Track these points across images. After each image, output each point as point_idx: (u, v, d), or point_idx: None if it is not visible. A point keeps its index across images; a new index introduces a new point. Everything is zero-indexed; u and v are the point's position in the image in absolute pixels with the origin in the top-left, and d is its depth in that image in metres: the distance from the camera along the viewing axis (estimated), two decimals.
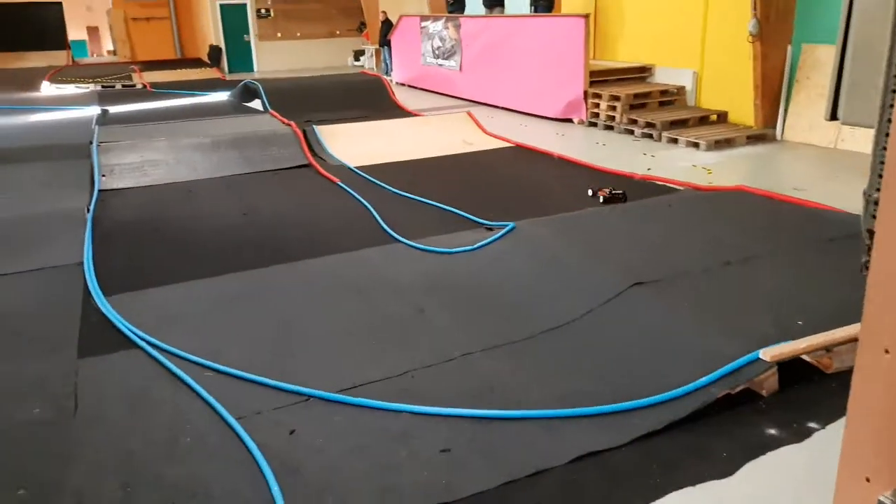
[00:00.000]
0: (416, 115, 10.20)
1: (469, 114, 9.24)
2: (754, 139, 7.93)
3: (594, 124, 9.31)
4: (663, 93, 9.21)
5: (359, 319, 3.73)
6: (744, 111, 8.27)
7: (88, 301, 4.07)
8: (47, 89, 15.02)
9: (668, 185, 6.21)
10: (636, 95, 8.97)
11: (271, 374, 3.15)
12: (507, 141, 8.38)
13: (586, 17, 9.20)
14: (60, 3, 23.01)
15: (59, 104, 12.65)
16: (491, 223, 5.05)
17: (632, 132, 8.68)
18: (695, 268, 3.97)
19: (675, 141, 8.07)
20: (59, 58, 21.74)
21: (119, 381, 3.17)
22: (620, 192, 5.64)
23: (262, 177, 7.04)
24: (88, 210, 5.76)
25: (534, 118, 10.18)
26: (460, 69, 12.35)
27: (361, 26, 19.84)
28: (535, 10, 11.61)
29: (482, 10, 13.00)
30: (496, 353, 3.32)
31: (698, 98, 9.10)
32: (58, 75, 16.81)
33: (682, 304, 3.52)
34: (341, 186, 6.47)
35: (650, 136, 8.42)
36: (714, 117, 8.68)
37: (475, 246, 4.59)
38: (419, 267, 4.42)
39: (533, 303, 3.79)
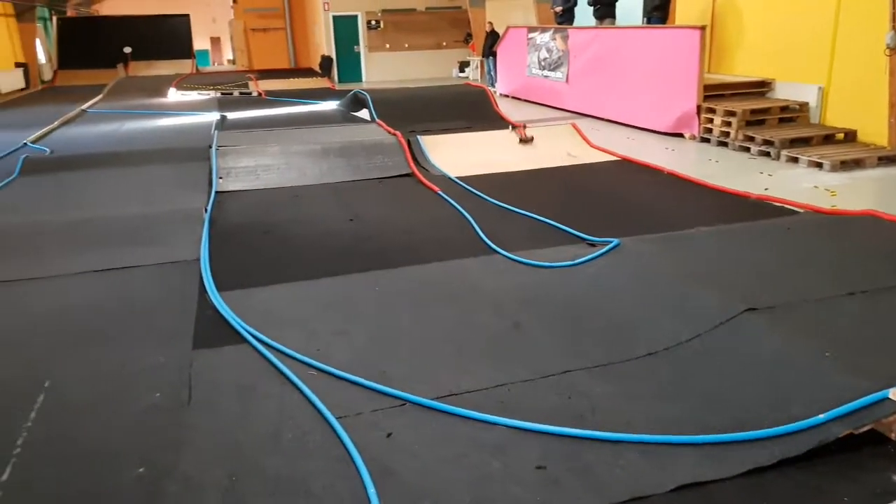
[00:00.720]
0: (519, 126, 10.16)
1: (574, 125, 9.12)
2: (887, 161, 7.36)
3: (706, 140, 8.95)
4: (784, 109, 8.73)
5: (455, 329, 3.74)
6: (876, 130, 7.71)
7: (203, 296, 4.30)
8: (173, 96, 16.11)
9: (786, 206, 5.86)
10: (753, 111, 8.55)
11: (370, 377, 3.22)
12: (613, 154, 8.21)
13: (702, 28, 8.88)
14: (188, 16, 24.67)
15: (183, 110, 13.55)
16: (593, 239, 4.94)
17: (747, 149, 8.28)
18: (815, 296, 3.72)
19: (795, 160, 7.62)
20: (184, 66, 23.29)
21: (229, 374, 3.32)
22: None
23: (367, 184, 7.23)
24: (206, 210, 6.11)
25: (642, 132, 9.92)
26: (566, 80, 12.23)
27: (468, 37, 20.07)
28: (649, 22, 11.34)
29: (592, 21, 12.83)
30: (596, 372, 3.24)
31: (823, 115, 8.56)
32: (183, 83, 17.99)
33: (800, 334, 3.30)
34: (442, 196, 6.55)
35: (767, 154, 8.00)
36: (841, 136, 8.13)
37: (576, 261, 4.51)
38: (517, 279, 4.39)
39: (636, 324, 3.67)
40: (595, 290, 4.14)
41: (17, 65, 19.52)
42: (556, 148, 8.37)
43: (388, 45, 20.11)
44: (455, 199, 6.37)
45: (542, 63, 13.08)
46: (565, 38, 12.17)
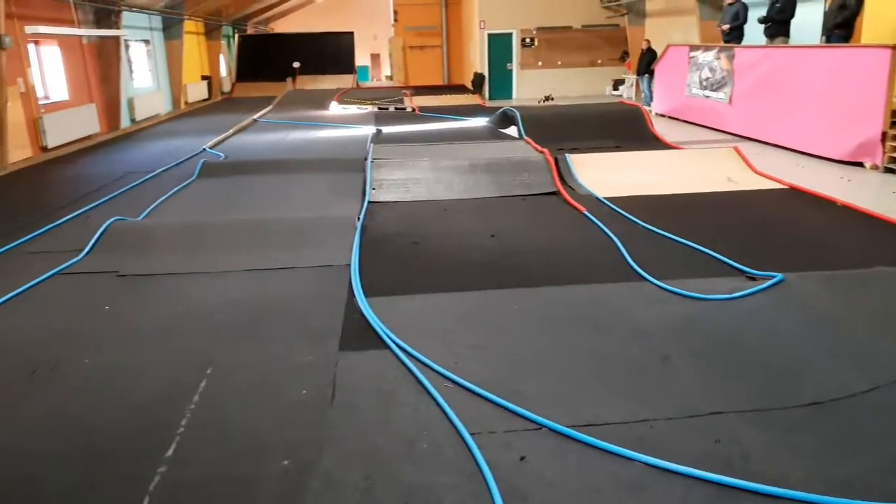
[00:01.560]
0: (675, 147, 9.75)
1: (736, 149, 8.58)
2: None
3: (891, 171, 8.07)
4: None
5: (596, 356, 3.62)
6: None
7: (352, 300, 4.49)
8: (334, 109, 17.09)
9: None
10: None
11: (505, 396, 3.19)
12: (780, 182, 7.61)
13: (893, 48, 8.04)
14: (352, 33, 26.13)
15: (343, 122, 14.34)
16: (754, 272, 4.59)
17: None
18: None
19: None
20: (346, 81, 24.67)
21: (370, 378, 3.43)
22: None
23: (511, 201, 7.24)
24: (359, 218, 6.38)
25: (813, 158, 9.14)
26: (730, 102, 11.57)
27: (624, 55, 19.61)
28: (828, 40, 10.45)
29: (762, 40, 12.06)
30: (750, 417, 2.99)
31: None
32: (344, 97, 19.05)
33: None
34: (588, 216, 6.40)
35: None
36: None
37: (734, 295, 4.21)
38: (666, 310, 4.18)
39: (800, 368, 3.35)
40: (754, 327, 3.83)
41: (203, 77, 21.66)
42: (714, 171, 7.92)
43: (540, 63, 20.11)
44: (602, 220, 6.20)
45: (704, 83, 12.47)
46: (731, 58, 11.52)
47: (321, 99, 18.67)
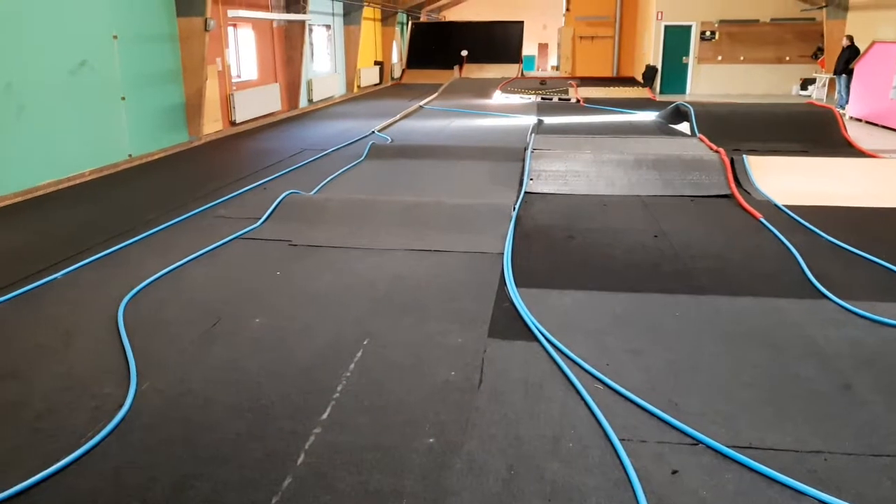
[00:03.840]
0: (872, 156, 8.75)
1: None
2: None
3: None
4: None
5: (764, 375, 3.34)
6: None
7: (502, 288, 4.49)
8: (497, 98, 17.17)
9: None
10: None
11: (659, 405, 3.03)
12: None
13: None
14: (522, 23, 26.06)
15: (505, 111, 14.37)
16: None
17: None
18: None
19: None
20: (511, 70, 24.69)
21: (518, 368, 3.40)
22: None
23: (678, 201, 6.87)
24: (514, 208, 6.36)
25: None
26: None
27: (817, 52, 17.90)
28: None
29: None
30: None
31: None
32: (508, 86, 19.08)
33: None
34: (764, 224, 5.93)
35: None
36: None
37: None
38: (850, 333, 3.76)
39: None
40: None
41: (376, 63, 22.65)
42: None
43: (719, 58, 18.87)
44: (780, 229, 5.72)
45: None
46: None
47: (486, 88, 18.84)
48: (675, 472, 2.59)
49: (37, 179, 7.34)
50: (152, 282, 4.64)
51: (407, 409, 3.03)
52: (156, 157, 9.48)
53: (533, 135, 10.03)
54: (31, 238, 5.73)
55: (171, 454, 2.71)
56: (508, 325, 3.94)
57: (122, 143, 8.92)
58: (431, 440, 2.78)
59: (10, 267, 4.94)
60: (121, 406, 3.06)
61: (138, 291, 4.46)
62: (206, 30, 10.24)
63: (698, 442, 2.77)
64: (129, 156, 9.03)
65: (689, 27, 18.88)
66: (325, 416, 2.98)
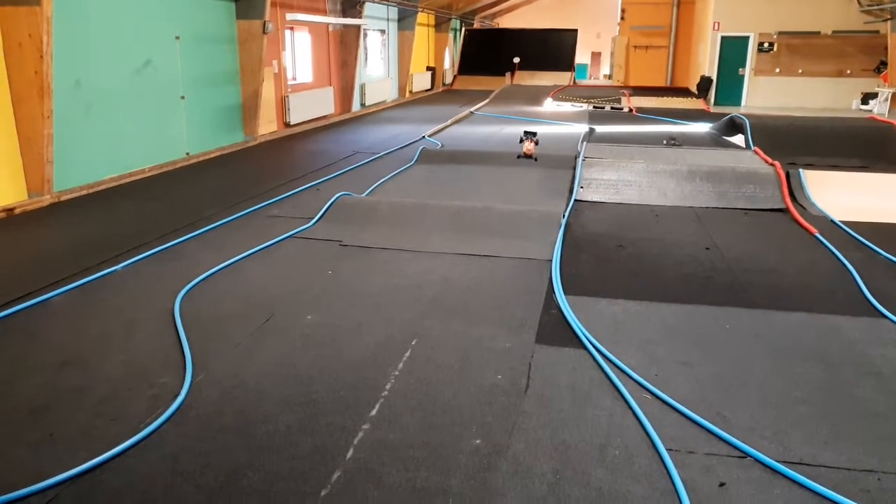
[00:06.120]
0: None
1: None
2: None
3: None
4: None
5: (818, 391, 3.27)
6: None
7: (550, 295, 4.49)
8: (549, 105, 17.12)
9: None
10: None
11: (707, 417, 3.00)
12: None
13: None
14: (576, 31, 25.92)
15: (556, 119, 14.32)
16: None
17: None
18: None
19: None
20: (563, 78, 24.57)
21: (565, 375, 3.41)
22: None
23: (731, 214, 6.75)
24: (564, 216, 6.35)
25: None
26: None
27: (881, 66, 17.33)
28: None
29: None
30: None
31: None
32: (560, 94, 18.99)
33: None
34: (819, 240, 5.79)
35: None
36: None
37: None
38: None
39: None
40: None
41: (428, 68, 22.85)
42: None
43: (777, 70, 18.44)
44: (836, 245, 5.58)
45: None
46: None
47: (537, 95, 18.80)
48: (722, 484, 2.56)
49: (100, 174, 7.66)
50: (208, 276, 4.79)
51: (454, 409, 3.07)
52: (212, 155, 9.77)
53: (584, 143, 9.98)
54: (94, 231, 5.98)
55: (225, 443, 2.81)
56: (556, 331, 3.95)
57: (180, 142, 9.23)
58: (478, 441, 2.81)
59: (74, 258, 5.17)
60: (177, 395, 3.18)
61: (195, 285, 4.61)
62: (264, 32, 10.52)
63: (747, 455, 2.73)
64: (187, 154, 9.33)
65: (747, 38, 18.50)
66: (373, 412, 3.04)
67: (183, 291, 4.47)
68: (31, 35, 6.30)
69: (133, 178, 8.09)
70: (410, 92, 20.46)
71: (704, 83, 19.12)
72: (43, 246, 5.56)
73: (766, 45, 18.44)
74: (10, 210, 6.43)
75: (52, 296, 4.41)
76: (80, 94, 7.31)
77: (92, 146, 7.54)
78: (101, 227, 6.11)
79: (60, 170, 6.97)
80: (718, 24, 18.58)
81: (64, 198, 7.04)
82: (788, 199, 6.97)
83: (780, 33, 18.26)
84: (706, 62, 19.23)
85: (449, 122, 13.73)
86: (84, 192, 7.32)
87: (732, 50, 18.62)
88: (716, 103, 18.54)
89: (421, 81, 21.58)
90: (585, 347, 3.71)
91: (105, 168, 7.75)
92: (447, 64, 25.31)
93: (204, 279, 4.74)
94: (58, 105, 6.79)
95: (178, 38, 9.04)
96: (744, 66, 18.68)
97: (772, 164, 7.82)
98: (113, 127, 7.85)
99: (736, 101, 18.76)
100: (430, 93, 22.22)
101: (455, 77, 25.39)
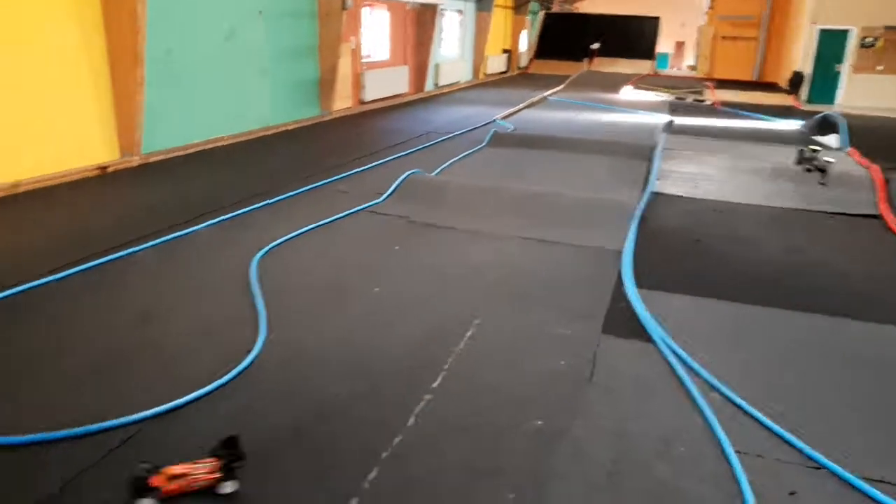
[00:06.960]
0: None
1: None
2: None
3: None
4: None
5: None
6: None
7: (619, 286, 4.39)
8: (627, 94, 16.69)
9: None
10: None
11: (779, 423, 2.87)
12: None
13: None
14: (658, 18, 25.12)
15: (633, 108, 13.95)
16: None
17: None
18: None
19: None
20: (643, 67, 23.92)
21: (631, 367, 3.33)
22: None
23: (816, 217, 6.42)
24: (639, 207, 6.18)
25: None
26: None
27: None
28: None
29: None
30: None
31: None
32: (639, 82, 18.50)
33: None
34: None
35: None
36: None
37: None
38: None
39: None
40: None
41: (504, 51, 22.62)
42: None
43: (880, 67, 17.33)
44: None
45: None
46: None
47: (615, 83, 18.37)
48: (793, 493, 2.46)
49: (184, 140, 7.94)
50: (281, 243, 4.90)
51: (517, 389, 3.05)
52: (289, 127, 9.97)
53: (663, 134, 9.68)
54: (176, 193, 6.21)
55: (292, 403, 2.88)
56: (624, 322, 3.85)
57: (260, 113, 9.45)
58: (539, 423, 2.79)
59: (156, 218, 5.38)
60: (248, 353, 3.27)
61: (268, 251, 4.73)
62: (343, 8, 10.61)
63: (821, 466, 2.61)
64: (266, 125, 9.55)
65: (847, 32, 17.46)
66: (435, 384, 3.05)
67: (257, 256, 4.58)
68: (127, 7, 6.59)
69: (214, 145, 8.35)
70: (484, 74, 20.31)
71: (796, 78, 18.19)
72: (130, 203, 5.84)
73: (869, 40, 17.35)
74: (104, 168, 6.83)
75: (137, 250, 4.63)
76: (171, 62, 7.57)
77: (179, 112, 7.81)
78: (182, 190, 6.34)
79: (149, 133, 7.28)
80: (817, 15, 17.57)
81: (152, 160, 7.35)
82: (884, 205, 6.56)
83: (887, 28, 17.12)
84: (800, 56, 18.28)
85: (522, 105, 13.58)
86: (169, 156, 7.61)
87: (830, 44, 17.60)
88: (808, 100, 17.63)
89: (496, 64, 21.39)
90: (653, 341, 3.61)
91: (190, 133, 8.03)
92: (523, 47, 24.97)
93: (276, 246, 4.85)
94: (149, 72, 7.06)
95: (260, 12, 9.22)
96: (841, 61, 17.64)
97: (867, 167, 7.38)
98: (199, 95, 8.10)
99: (829, 99, 17.77)
100: (504, 76, 22.01)
101: (531, 61, 25.07)
